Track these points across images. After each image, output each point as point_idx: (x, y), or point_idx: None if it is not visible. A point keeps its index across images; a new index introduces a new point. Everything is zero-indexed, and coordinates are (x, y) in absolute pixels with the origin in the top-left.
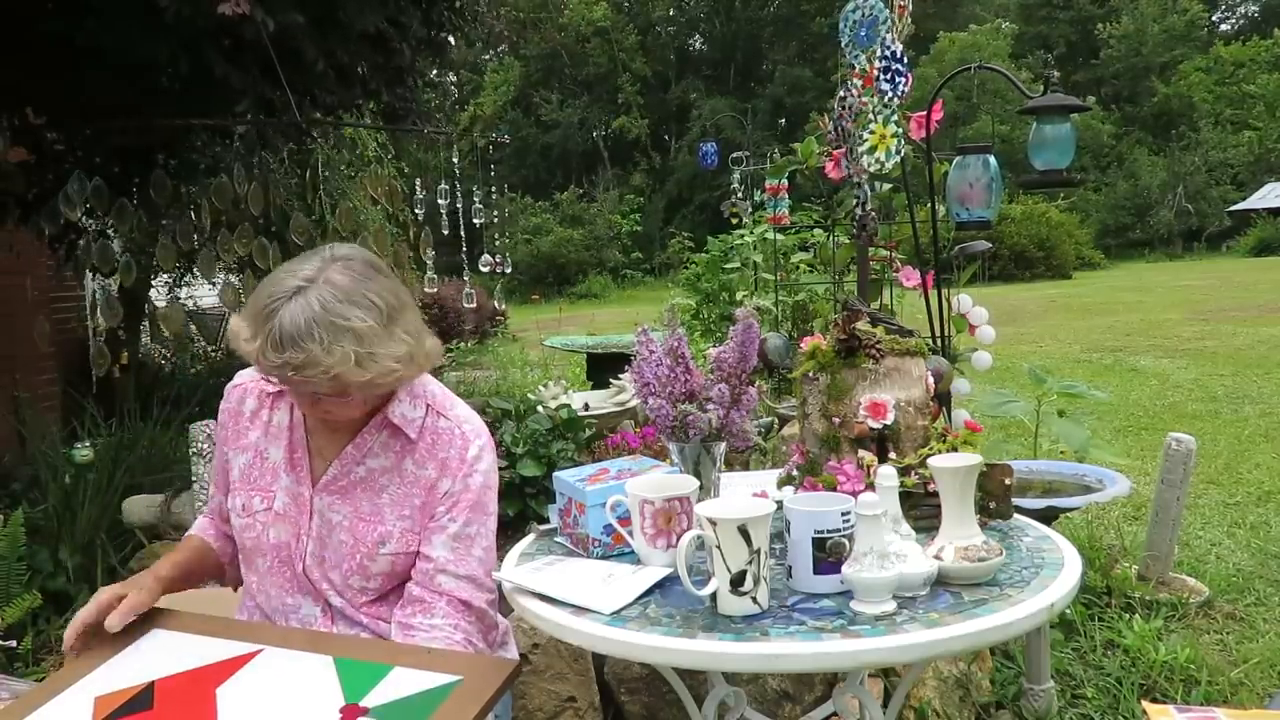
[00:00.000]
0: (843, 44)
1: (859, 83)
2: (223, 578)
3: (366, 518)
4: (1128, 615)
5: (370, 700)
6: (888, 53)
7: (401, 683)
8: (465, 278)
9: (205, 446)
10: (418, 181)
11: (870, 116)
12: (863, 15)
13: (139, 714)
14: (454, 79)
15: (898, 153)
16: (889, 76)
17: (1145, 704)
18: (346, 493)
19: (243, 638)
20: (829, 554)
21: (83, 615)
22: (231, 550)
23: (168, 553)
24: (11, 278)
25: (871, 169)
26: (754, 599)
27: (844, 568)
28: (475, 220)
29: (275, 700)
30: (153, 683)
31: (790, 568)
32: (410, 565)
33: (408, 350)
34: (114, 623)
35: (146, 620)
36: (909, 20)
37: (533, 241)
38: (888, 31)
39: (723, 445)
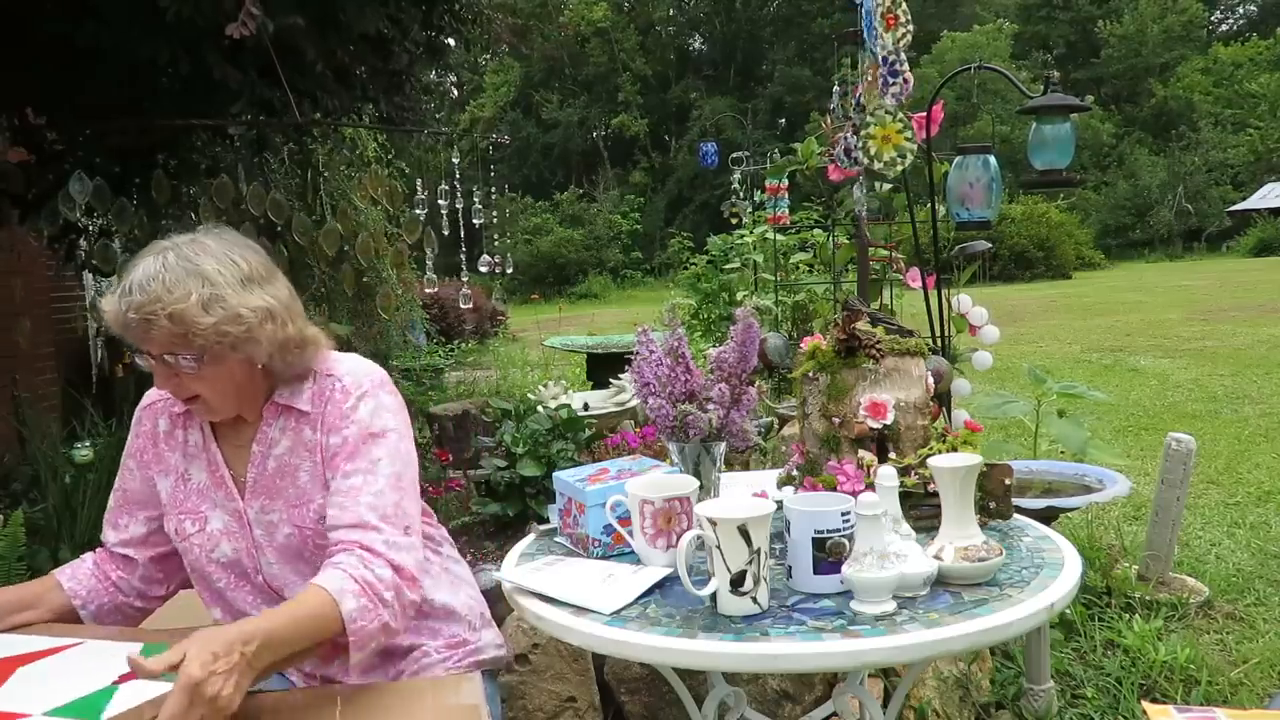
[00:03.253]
0: (862, 28)
1: (869, 74)
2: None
3: (297, 503)
4: (1128, 615)
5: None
6: (886, 54)
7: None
8: (463, 278)
9: None
10: (419, 182)
11: (870, 111)
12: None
13: None
14: (454, 80)
15: (896, 157)
16: (884, 77)
17: (1145, 704)
18: (271, 490)
19: (65, 635)
20: (829, 554)
21: None
22: (89, 591)
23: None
24: (12, 278)
25: (877, 168)
26: (754, 599)
27: (844, 568)
28: (475, 220)
29: (64, 675)
30: None
31: (790, 568)
32: None
33: (266, 307)
34: None
35: None
36: (901, 33)
37: (533, 241)
38: (885, 33)
39: (723, 445)
